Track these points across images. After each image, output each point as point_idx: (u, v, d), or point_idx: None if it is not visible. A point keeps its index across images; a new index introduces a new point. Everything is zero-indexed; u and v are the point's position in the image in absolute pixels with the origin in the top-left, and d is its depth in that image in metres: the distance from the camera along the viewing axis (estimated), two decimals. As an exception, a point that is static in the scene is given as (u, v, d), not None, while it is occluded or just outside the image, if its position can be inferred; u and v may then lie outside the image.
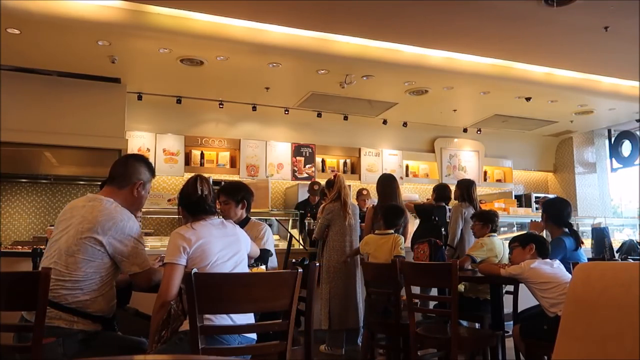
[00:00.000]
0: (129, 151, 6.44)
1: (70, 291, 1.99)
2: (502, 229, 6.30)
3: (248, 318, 2.08)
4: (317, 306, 4.39)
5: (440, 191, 5.09)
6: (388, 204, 4.22)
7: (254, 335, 2.11)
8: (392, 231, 3.92)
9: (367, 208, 4.95)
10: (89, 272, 2.02)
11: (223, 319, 2.00)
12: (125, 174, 2.24)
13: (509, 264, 3.19)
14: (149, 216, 6.59)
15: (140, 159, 2.33)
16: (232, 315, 2.01)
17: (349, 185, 5.35)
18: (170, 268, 2.04)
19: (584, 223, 7.45)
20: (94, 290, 2.03)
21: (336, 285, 4.29)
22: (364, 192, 6.03)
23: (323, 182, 6.08)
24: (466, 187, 4.86)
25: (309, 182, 6.94)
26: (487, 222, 3.83)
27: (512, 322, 3.57)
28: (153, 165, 2.46)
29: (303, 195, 6.85)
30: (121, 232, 2.07)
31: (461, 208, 4.76)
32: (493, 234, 3.79)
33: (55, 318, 1.95)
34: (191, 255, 2.06)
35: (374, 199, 5.45)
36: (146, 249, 2.71)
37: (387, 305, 3.28)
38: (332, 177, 4.57)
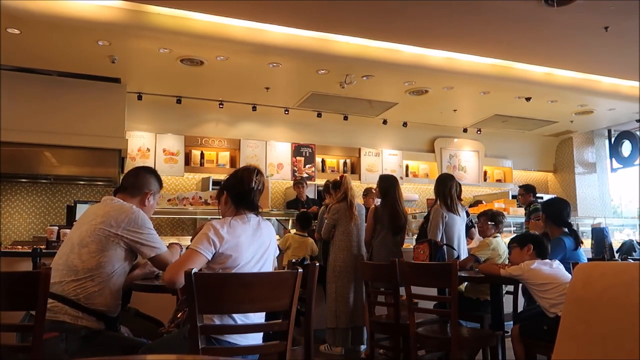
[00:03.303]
0: (129, 151, 6.46)
1: (80, 283, 2.05)
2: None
3: (259, 318, 2.07)
4: (321, 306, 4.42)
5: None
6: (302, 212, 4.98)
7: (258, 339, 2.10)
8: (306, 234, 4.80)
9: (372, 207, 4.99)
10: (102, 261, 2.09)
11: (227, 321, 1.99)
12: (136, 184, 2.36)
13: (509, 264, 3.19)
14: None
15: (151, 171, 2.46)
16: (236, 316, 2.00)
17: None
18: (191, 253, 1.95)
19: (584, 223, 7.45)
20: (103, 281, 2.09)
21: (343, 284, 4.36)
22: (373, 191, 6.01)
23: (323, 182, 6.10)
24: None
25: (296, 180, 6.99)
26: (498, 224, 3.88)
27: (512, 322, 3.57)
28: (154, 166, 2.53)
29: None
30: (134, 222, 2.16)
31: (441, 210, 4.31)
32: (497, 234, 3.83)
33: (60, 312, 2.00)
34: (220, 252, 1.99)
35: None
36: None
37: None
38: (339, 178, 4.60)
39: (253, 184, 2.14)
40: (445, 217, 4.28)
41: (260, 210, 2.22)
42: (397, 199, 4.43)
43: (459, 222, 4.39)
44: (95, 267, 2.08)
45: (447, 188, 4.34)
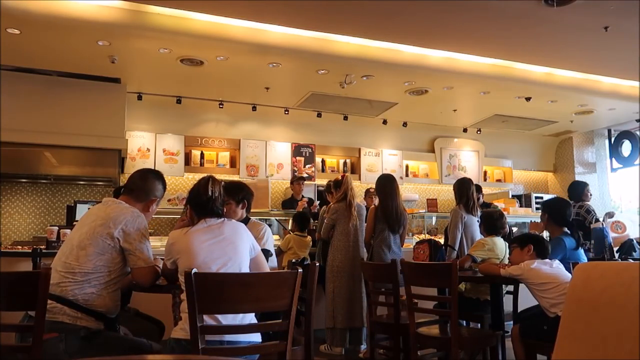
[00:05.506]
0: (129, 151, 6.45)
1: (78, 285, 2.05)
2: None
3: (249, 319, 2.07)
4: (320, 305, 4.41)
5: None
6: (299, 212, 5.11)
7: (257, 338, 2.10)
8: (306, 233, 4.86)
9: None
10: (98, 264, 2.10)
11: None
12: (144, 188, 2.37)
13: (509, 264, 3.19)
14: (149, 216, 6.58)
15: (159, 176, 2.46)
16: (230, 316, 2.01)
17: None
18: (163, 265, 2.30)
19: (584, 223, 7.43)
20: (101, 284, 2.10)
21: (340, 285, 4.35)
22: (371, 190, 6.06)
23: (322, 182, 6.11)
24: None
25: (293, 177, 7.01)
26: (491, 231, 3.76)
27: (512, 322, 3.56)
28: (154, 166, 2.53)
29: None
30: (131, 226, 2.17)
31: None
32: (495, 235, 3.76)
33: (59, 313, 2.00)
34: (176, 258, 2.17)
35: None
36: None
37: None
38: (340, 177, 4.60)
39: (210, 193, 2.23)
40: (465, 217, 4.51)
41: (223, 213, 2.28)
42: (395, 198, 4.44)
43: (477, 224, 4.51)
44: (92, 270, 2.08)
45: (469, 191, 4.61)
